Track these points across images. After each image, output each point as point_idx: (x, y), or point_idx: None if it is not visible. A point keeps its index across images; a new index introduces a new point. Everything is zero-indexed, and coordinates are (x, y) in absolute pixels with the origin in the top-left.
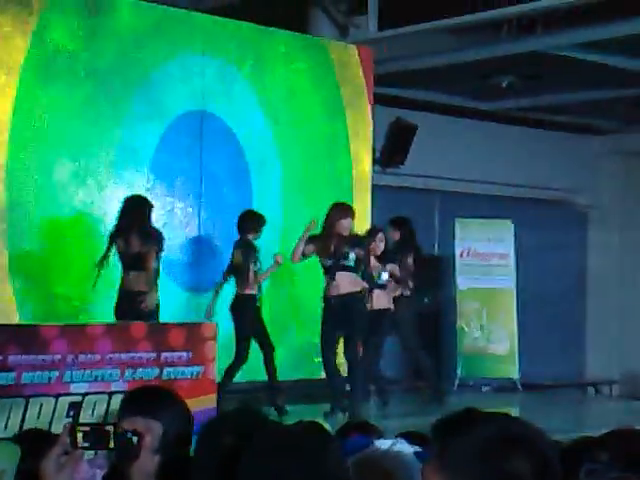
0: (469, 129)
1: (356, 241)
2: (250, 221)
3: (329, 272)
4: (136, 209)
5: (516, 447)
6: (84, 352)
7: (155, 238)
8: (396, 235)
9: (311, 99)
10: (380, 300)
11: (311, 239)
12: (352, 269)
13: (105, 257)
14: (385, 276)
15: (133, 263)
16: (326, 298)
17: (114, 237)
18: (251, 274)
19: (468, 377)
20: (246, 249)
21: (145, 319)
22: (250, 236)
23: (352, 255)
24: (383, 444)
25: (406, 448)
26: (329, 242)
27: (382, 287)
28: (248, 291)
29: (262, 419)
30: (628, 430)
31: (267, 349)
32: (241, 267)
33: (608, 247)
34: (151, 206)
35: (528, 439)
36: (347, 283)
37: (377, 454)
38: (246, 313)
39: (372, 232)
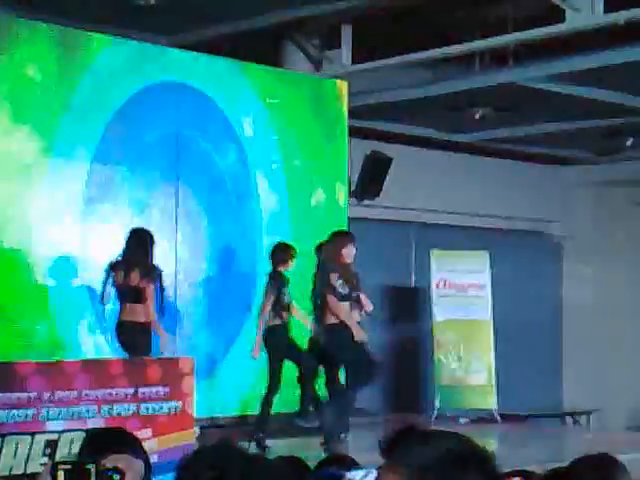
0: (444, 161)
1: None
2: (280, 253)
3: (347, 299)
4: (140, 243)
5: (471, 466)
6: (60, 389)
7: (155, 273)
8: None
9: (286, 133)
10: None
11: (332, 268)
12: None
13: (104, 291)
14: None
15: (131, 296)
16: (336, 325)
17: (113, 268)
18: (278, 305)
19: (446, 409)
20: (274, 281)
21: (145, 350)
22: (280, 268)
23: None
24: (356, 475)
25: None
26: (346, 270)
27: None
28: (276, 321)
29: (241, 453)
30: (598, 456)
31: (271, 386)
32: (269, 299)
33: (583, 277)
34: (154, 240)
35: (482, 458)
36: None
37: None
38: (274, 344)
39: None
